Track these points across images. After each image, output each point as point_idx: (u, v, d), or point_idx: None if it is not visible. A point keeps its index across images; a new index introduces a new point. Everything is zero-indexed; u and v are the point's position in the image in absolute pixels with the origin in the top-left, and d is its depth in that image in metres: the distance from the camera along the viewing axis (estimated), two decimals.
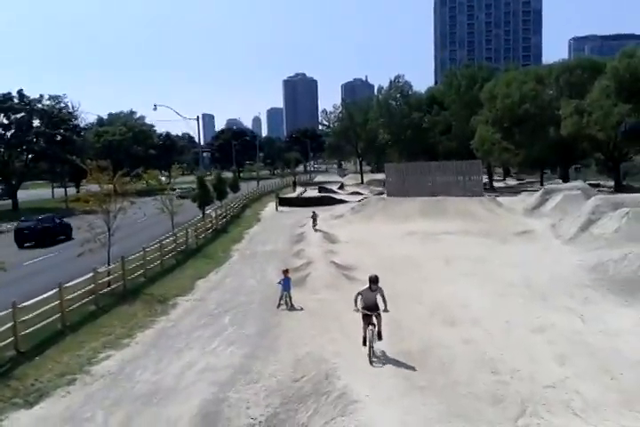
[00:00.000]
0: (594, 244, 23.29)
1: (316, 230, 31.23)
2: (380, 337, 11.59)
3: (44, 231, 32.97)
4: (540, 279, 18.27)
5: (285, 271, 17.15)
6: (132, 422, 9.63)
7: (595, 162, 66.95)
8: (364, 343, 11.53)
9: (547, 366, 10.66)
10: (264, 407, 9.62)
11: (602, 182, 59.92)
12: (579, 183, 47.46)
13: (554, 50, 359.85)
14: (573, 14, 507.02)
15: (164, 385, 10.94)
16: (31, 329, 13.52)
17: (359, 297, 11.72)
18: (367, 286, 11.73)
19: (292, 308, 16.51)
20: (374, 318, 11.64)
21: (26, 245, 32.39)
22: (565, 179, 59.49)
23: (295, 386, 10.21)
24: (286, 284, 16.67)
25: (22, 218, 35.61)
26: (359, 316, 11.76)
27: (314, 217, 32.90)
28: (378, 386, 9.38)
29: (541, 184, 59.26)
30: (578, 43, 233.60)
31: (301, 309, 16.25)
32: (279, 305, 16.51)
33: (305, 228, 33.25)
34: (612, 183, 57.08)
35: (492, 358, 11.16)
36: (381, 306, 11.91)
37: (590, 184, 49.76)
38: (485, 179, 57.37)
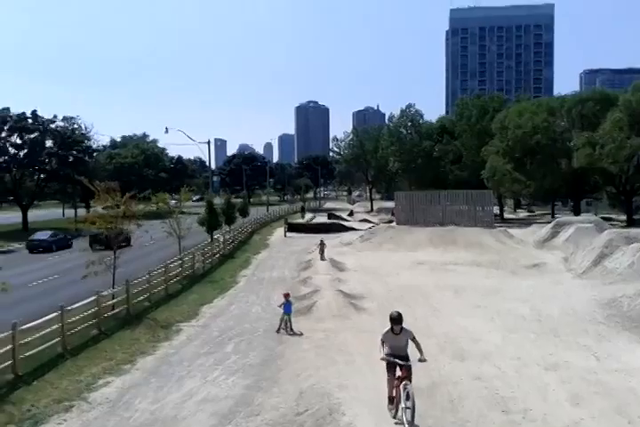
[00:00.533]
0: (607, 278, 22.87)
1: (322, 259, 30.13)
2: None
3: (53, 242, 41.83)
4: (551, 314, 17.85)
5: (286, 295, 17.16)
6: None
7: (606, 195, 66.55)
8: (391, 402, 9.48)
9: (560, 407, 10.23)
10: None
11: (614, 216, 59.40)
12: (591, 216, 47.18)
13: (565, 82, 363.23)
14: (585, 47, 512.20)
15: (162, 415, 10.57)
16: (31, 352, 13.24)
17: (383, 344, 9.71)
18: (388, 327, 9.66)
19: (291, 332, 16.43)
20: (403, 371, 9.39)
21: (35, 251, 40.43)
22: (577, 212, 59.08)
23: (298, 420, 9.84)
24: (287, 308, 16.64)
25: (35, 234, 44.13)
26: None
27: (321, 246, 31.39)
28: (383, 424, 8.99)
29: (552, 216, 58.88)
30: (589, 76, 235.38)
31: (301, 334, 16.20)
32: (279, 329, 16.47)
33: (313, 255, 32.96)
34: (623, 217, 56.57)
35: (503, 396, 10.75)
36: (411, 354, 9.80)
37: (602, 218, 49.35)
38: (496, 210, 57.04)
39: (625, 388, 11.04)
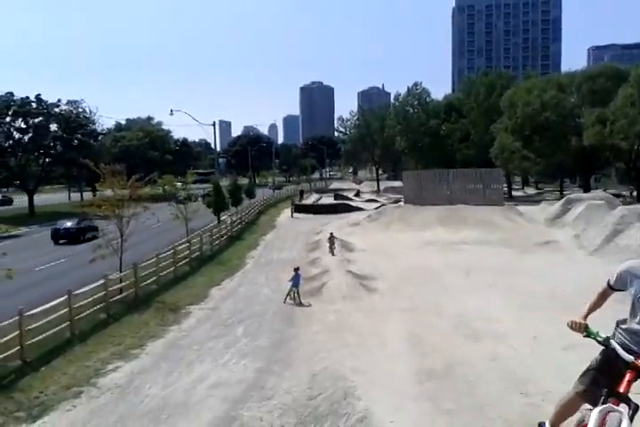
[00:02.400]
0: (620, 255, 22.44)
1: (333, 254, 25.69)
2: None
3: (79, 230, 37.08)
4: (565, 292, 17.50)
5: (296, 269, 17.95)
6: None
7: (615, 171, 65.82)
8: None
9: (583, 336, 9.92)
10: None
11: (623, 192, 58.77)
12: (601, 193, 46.58)
13: (573, 59, 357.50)
14: (593, 23, 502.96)
15: (173, 400, 10.38)
16: (38, 338, 13.08)
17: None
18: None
19: (300, 304, 17.02)
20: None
21: (61, 242, 36.12)
22: (586, 188, 58.45)
23: (311, 404, 9.60)
24: (296, 280, 17.36)
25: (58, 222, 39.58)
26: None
27: (331, 240, 26.76)
28: (402, 409, 8.73)
29: (561, 193, 58.33)
30: (597, 52, 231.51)
31: (310, 305, 16.79)
32: (285, 300, 17.19)
33: (321, 235, 32.69)
34: (634, 193, 55.93)
35: (521, 377, 10.46)
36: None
37: (611, 194, 48.78)
38: (504, 187, 56.52)
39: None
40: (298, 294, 17.39)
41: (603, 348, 5.39)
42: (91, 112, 72.86)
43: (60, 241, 35.88)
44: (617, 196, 48.81)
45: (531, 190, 76.85)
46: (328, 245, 26.42)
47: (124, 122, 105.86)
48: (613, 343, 5.13)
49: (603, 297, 5.64)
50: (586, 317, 5.41)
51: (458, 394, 9.66)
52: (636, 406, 4.80)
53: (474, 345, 12.55)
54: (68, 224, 37.15)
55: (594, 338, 5.23)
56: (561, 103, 55.25)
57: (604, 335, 5.20)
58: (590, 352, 11.62)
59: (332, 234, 27.45)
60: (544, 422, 5.98)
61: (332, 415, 8.90)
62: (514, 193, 68.30)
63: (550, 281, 18.85)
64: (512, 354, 11.86)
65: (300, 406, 9.59)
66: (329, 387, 10.06)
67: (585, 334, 5.28)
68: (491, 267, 21.68)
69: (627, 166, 55.82)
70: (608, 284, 5.54)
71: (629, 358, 4.96)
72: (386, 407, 8.75)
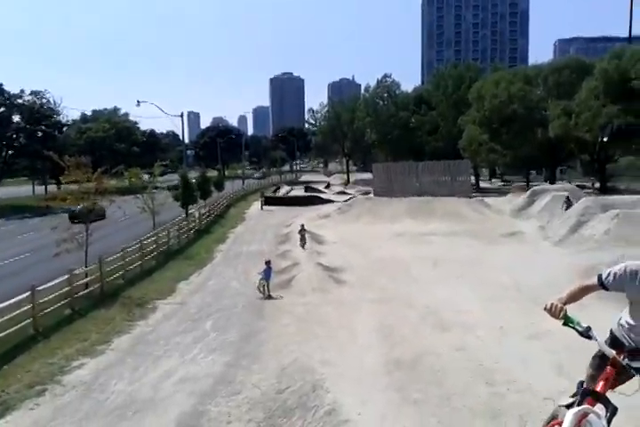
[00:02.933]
0: (584, 246, 22.97)
1: (304, 248, 24.75)
2: None
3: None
4: (531, 283, 17.80)
5: (267, 262, 17.87)
6: None
7: (580, 163, 67.12)
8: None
9: (544, 377, 10.12)
10: (246, 422, 8.97)
11: (587, 184, 59.99)
12: (566, 184, 47.45)
13: (540, 51, 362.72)
14: (559, 16, 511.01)
15: (140, 396, 10.24)
16: (0, 335, 12.75)
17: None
18: None
19: (269, 297, 16.94)
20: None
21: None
22: (552, 180, 59.48)
23: (280, 398, 9.57)
24: (267, 273, 17.31)
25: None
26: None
27: (302, 232, 25.65)
28: (369, 401, 8.77)
29: (527, 185, 59.20)
30: (563, 44, 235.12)
31: (281, 297, 16.86)
32: (263, 293, 17.21)
33: (291, 227, 32.62)
34: (596, 184, 57.16)
35: (487, 367, 10.60)
36: None
37: (576, 185, 49.74)
38: (472, 179, 57.19)
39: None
40: (267, 287, 17.32)
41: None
42: (55, 103, 71.33)
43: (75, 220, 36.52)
44: (582, 187, 49.83)
45: (498, 182, 77.85)
46: (299, 237, 25.17)
47: (89, 113, 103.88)
48: (594, 335, 4.56)
49: (585, 291, 5.00)
50: (566, 303, 4.67)
51: (425, 384, 9.74)
52: (615, 408, 4.50)
53: (442, 336, 12.67)
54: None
55: (573, 327, 4.57)
56: (528, 96, 55.96)
57: (584, 325, 4.55)
58: (554, 342, 11.91)
59: (302, 226, 26.03)
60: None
61: (300, 409, 8.89)
62: (481, 185, 69.17)
63: (516, 272, 19.14)
64: (479, 344, 12.02)
65: (269, 400, 9.56)
66: (297, 380, 10.04)
67: (563, 321, 4.57)
68: (458, 258, 21.92)
69: (591, 158, 56.97)
70: (601, 283, 4.83)
71: (610, 352, 4.57)
72: (354, 399, 8.78)
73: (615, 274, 4.75)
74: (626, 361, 4.56)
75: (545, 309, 4.61)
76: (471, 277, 18.76)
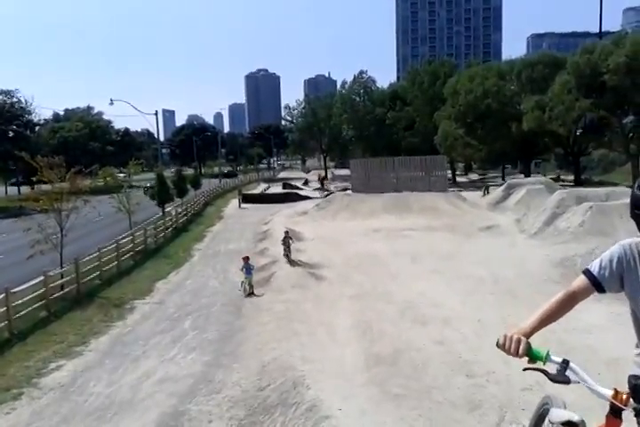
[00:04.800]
0: (559, 238, 23.28)
1: (290, 261, 20.38)
2: None
3: None
4: (508, 275, 18.02)
5: (245, 258, 17.70)
6: None
7: (554, 156, 68.08)
8: None
9: (522, 367, 10.25)
10: (227, 420, 8.94)
11: (562, 177, 60.89)
12: (541, 178, 48.11)
13: (513, 47, 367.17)
14: (532, 11, 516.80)
15: (118, 398, 10.15)
16: None
17: None
18: None
19: (250, 295, 16.82)
20: None
21: None
22: (527, 173, 60.24)
23: (261, 395, 9.56)
24: (247, 270, 17.20)
25: None
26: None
27: (286, 240, 20.93)
28: (350, 397, 8.79)
29: (503, 179, 59.88)
30: (536, 40, 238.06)
31: (263, 295, 16.76)
32: (249, 291, 17.03)
33: (269, 225, 32.54)
34: (571, 177, 58.05)
35: (466, 359, 10.70)
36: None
37: (551, 178, 50.43)
38: (448, 174, 57.65)
39: (584, 346, 11.16)
40: (251, 284, 17.22)
41: None
42: (26, 102, 70.05)
43: None
44: (556, 180, 50.58)
45: (474, 176, 78.57)
46: (283, 247, 20.73)
47: (62, 112, 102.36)
48: (575, 372, 3.21)
49: (570, 302, 3.43)
50: (531, 333, 3.23)
51: (405, 379, 9.79)
52: None
53: (421, 330, 12.74)
54: None
55: (541, 370, 3.22)
56: (501, 90, 56.57)
57: (558, 358, 3.16)
58: None
59: (287, 233, 21.25)
60: None
61: (281, 406, 8.88)
62: (458, 179, 69.77)
63: (493, 265, 19.32)
64: (458, 337, 12.12)
65: (250, 398, 9.53)
66: (278, 377, 10.02)
67: (528, 359, 3.21)
68: (436, 252, 22.05)
69: (565, 151, 57.81)
70: (595, 281, 3.28)
71: (605, 392, 3.23)
72: (335, 395, 8.79)
73: (611, 261, 3.23)
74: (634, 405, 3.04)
75: (497, 345, 3.20)
76: (449, 271, 18.90)
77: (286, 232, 21.28)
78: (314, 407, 8.26)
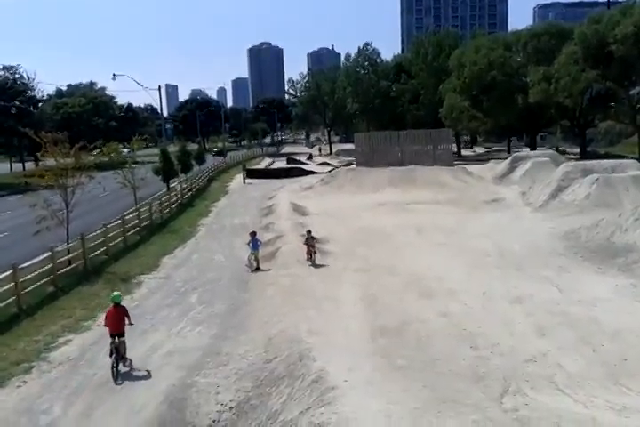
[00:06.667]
0: (565, 211, 23.24)
1: (313, 261, 17.15)
2: None
3: None
4: (513, 248, 18.04)
5: (252, 233, 17.67)
6: (93, 412, 9.01)
7: (560, 129, 67.35)
8: None
9: (526, 340, 10.35)
10: (234, 392, 9.09)
11: (568, 149, 60.34)
12: (547, 150, 47.70)
13: (519, 17, 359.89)
14: None
15: (127, 370, 10.30)
16: None
17: None
18: None
19: (256, 269, 16.88)
20: None
21: None
22: (532, 146, 59.72)
23: (267, 368, 9.69)
24: (254, 244, 17.20)
25: None
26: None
27: (310, 243, 17.40)
28: (356, 368, 8.89)
29: (508, 152, 59.42)
30: (542, 10, 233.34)
31: (269, 269, 16.86)
32: (255, 266, 17.08)
33: (274, 200, 32.52)
34: (576, 150, 57.52)
35: (471, 332, 10.80)
36: None
37: (559, 151, 50.02)
38: (454, 147, 57.23)
39: (588, 318, 11.22)
40: (257, 258, 17.23)
41: None
42: (29, 78, 69.38)
43: None
44: (562, 153, 50.15)
45: (479, 150, 77.98)
46: (306, 249, 17.35)
47: (64, 88, 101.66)
48: None
49: None
50: None
51: (410, 350, 9.89)
52: None
53: (426, 302, 12.82)
54: None
55: None
56: (507, 62, 55.67)
57: None
58: (535, 306, 12.11)
59: (309, 232, 17.81)
60: None
61: (287, 377, 9.00)
62: (463, 152, 69.26)
63: (498, 238, 19.33)
64: (463, 310, 12.19)
65: (257, 370, 9.67)
66: (284, 350, 10.14)
67: None
68: (441, 226, 22.04)
69: (571, 123, 57.17)
70: None
71: None
72: (340, 367, 8.89)
73: None
74: None
75: None
76: (454, 244, 18.92)
77: (308, 232, 17.96)
78: (320, 379, 8.36)
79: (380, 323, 11.46)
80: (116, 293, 11.18)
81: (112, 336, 10.18)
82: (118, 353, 10.10)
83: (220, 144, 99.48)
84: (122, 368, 10.21)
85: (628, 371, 8.78)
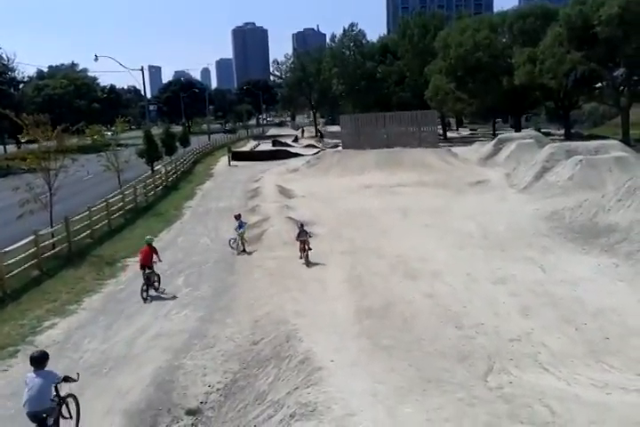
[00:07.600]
0: (549, 192, 23.42)
1: (307, 261, 15.25)
2: None
3: None
4: (497, 229, 18.20)
5: (237, 216, 17.87)
6: (79, 396, 8.99)
7: (545, 110, 67.57)
8: None
9: (511, 319, 10.49)
10: (222, 374, 9.15)
11: (552, 131, 60.62)
12: (531, 132, 47.89)
13: None
14: None
15: (113, 354, 10.31)
16: None
17: None
18: None
19: (242, 252, 16.97)
20: None
21: None
22: (517, 128, 59.91)
23: (254, 349, 9.76)
24: (240, 226, 17.34)
25: None
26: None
27: (304, 239, 15.62)
28: (342, 349, 8.97)
29: (494, 134, 59.57)
30: None
31: (255, 251, 17.12)
32: (242, 249, 17.21)
33: (260, 182, 32.41)
34: (561, 131, 57.82)
35: (456, 312, 10.92)
36: None
37: (542, 132, 50.21)
38: (439, 129, 57.23)
39: (571, 297, 11.38)
40: (243, 241, 17.28)
41: None
42: (8, 59, 68.11)
43: None
44: (547, 134, 50.35)
45: (465, 131, 78.06)
46: (299, 245, 15.67)
47: (45, 69, 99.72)
48: None
49: None
50: None
51: (396, 331, 9.99)
52: None
53: (411, 283, 12.93)
54: None
55: None
56: (493, 43, 55.51)
57: None
58: (518, 286, 12.25)
59: (301, 227, 16.15)
60: None
61: (274, 359, 9.06)
62: (449, 134, 69.32)
63: (483, 220, 19.48)
64: (447, 290, 12.32)
65: (243, 352, 9.73)
66: (271, 331, 10.19)
67: None
68: (427, 208, 22.13)
69: (555, 105, 57.36)
70: None
71: None
72: (326, 348, 8.96)
73: None
74: None
75: None
76: (439, 226, 19.03)
77: (301, 225, 16.33)
78: (306, 360, 8.43)
79: (366, 304, 11.55)
80: (148, 236, 15.38)
81: (142, 268, 13.43)
82: (149, 280, 13.24)
83: (204, 126, 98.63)
84: (152, 293, 13.24)
85: (610, 349, 8.94)
